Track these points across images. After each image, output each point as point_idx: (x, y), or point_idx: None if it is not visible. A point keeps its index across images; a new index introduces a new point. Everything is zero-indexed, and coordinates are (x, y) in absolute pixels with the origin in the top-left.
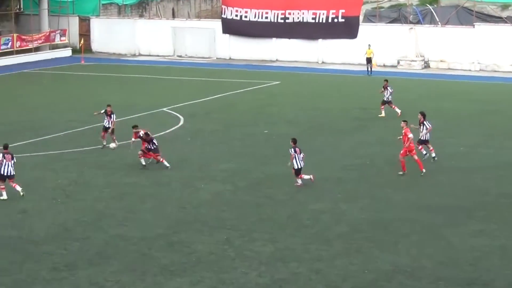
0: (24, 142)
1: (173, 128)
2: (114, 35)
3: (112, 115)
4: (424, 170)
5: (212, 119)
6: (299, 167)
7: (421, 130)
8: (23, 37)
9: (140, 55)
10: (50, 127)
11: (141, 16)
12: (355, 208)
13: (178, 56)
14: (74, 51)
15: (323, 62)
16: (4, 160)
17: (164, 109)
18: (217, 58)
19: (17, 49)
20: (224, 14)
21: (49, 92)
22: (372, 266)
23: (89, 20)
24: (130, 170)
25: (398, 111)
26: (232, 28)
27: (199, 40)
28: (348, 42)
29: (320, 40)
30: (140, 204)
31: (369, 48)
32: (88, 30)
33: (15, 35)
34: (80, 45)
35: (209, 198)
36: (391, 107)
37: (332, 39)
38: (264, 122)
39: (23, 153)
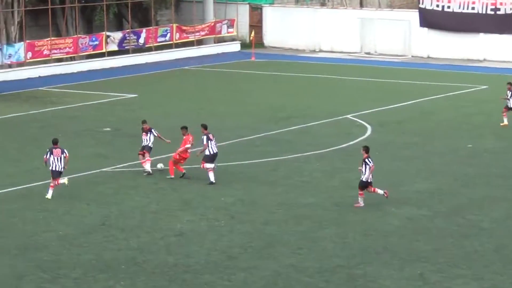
0: None
1: (359, 139)
2: (290, 27)
3: (150, 132)
4: None
5: (405, 129)
6: (370, 180)
7: None
8: (184, 28)
9: (320, 51)
10: (214, 134)
11: (322, 4)
12: None
13: (365, 53)
14: (243, 45)
15: None
16: (52, 157)
17: (348, 116)
18: (412, 57)
19: (176, 41)
20: (423, 3)
21: (213, 93)
22: None
23: (261, 8)
24: (308, 188)
25: None
26: (432, 20)
27: (392, 34)
28: None
29: None
30: (318, 229)
31: None
32: (260, 21)
33: (174, 25)
34: (251, 38)
35: (400, 224)
36: None
37: None
38: (469, 135)
39: (185, 164)
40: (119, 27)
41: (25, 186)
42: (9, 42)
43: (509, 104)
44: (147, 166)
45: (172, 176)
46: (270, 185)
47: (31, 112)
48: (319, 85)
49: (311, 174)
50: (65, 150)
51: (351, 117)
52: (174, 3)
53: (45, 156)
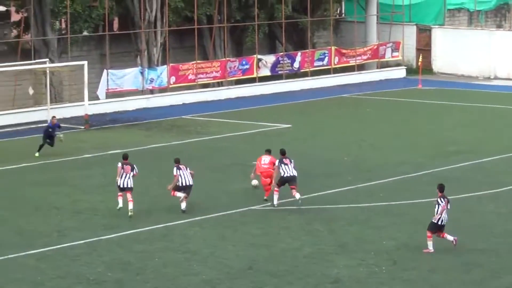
0: (341, 188)
1: None
2: (462, 52)
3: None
4: None
5: None
6: (443, 222)
7: None
8: (344, 51)
9: (496, 78)
10: (375, 170)
11: (499, 26)
12: None
13: None
14: (410, 71)
15: None
16: (123, 171)
17: None
18: None
19: (335, 66)
20: None
21: (375, 125)
22: None
23: (430, 30)
24: (480, 232)
25: None
26: None
27: None
28: None
29: None
30: (491, 279)
31: None
32: (429, 44)
33: (333, 48)
34: (419, 63)
35: None
36: None
37: None
38: None
39: (338, 203)
40: (272, 50)
41: (165, 224)
42: (151, 66)
43: None
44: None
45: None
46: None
47: (173, 143)
48: (494, 116)
49: (484, 216)
50: (135, 167)
51: None
52: (333, 23)
53: (120, 169)
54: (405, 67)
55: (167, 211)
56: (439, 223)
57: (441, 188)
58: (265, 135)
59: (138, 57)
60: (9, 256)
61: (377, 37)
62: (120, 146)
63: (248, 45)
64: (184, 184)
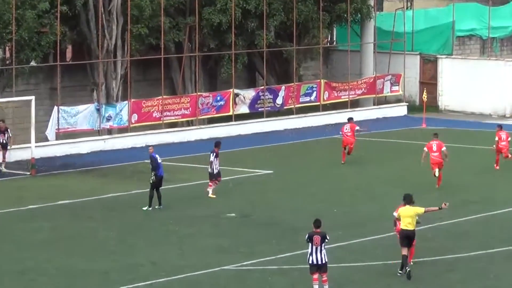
0: (330, 245)
1: None
2: (473, 85)
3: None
4: None
5: None
6: (313, 262)
7: None
8: (334, 84)
9: None
10: (371, 224)
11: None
12: None
13: None
14: (412, 108)
15: None
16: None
17: None
18: None
19: (325, 102)
20: None
21: (372, 170)
22: None
23: (436, 61)
24: None
25: None
26: None
27: None
28: None
29: None
30: None
31: None
32: (434, 77)
33: (322, 81)
34: (423, 99)
35: None
36: None
37: None
38: None
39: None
40: (251, 84)
41: (128, 286)
42: (109, 101)
43: None
44: None
45: None
46: None
47: (135, 192)
48: (510, 161)
49: (498, 278)
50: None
51: None
52: (323, 52)
53: None
54: (407, 104)
55: (126, 270)
56: (309, 262)
57: (314, 223)
58: (241, 183)
59: (94, 91)
60: None
61: (374, 68)
62: (71, 195)
63: (224, 78)
64: None
